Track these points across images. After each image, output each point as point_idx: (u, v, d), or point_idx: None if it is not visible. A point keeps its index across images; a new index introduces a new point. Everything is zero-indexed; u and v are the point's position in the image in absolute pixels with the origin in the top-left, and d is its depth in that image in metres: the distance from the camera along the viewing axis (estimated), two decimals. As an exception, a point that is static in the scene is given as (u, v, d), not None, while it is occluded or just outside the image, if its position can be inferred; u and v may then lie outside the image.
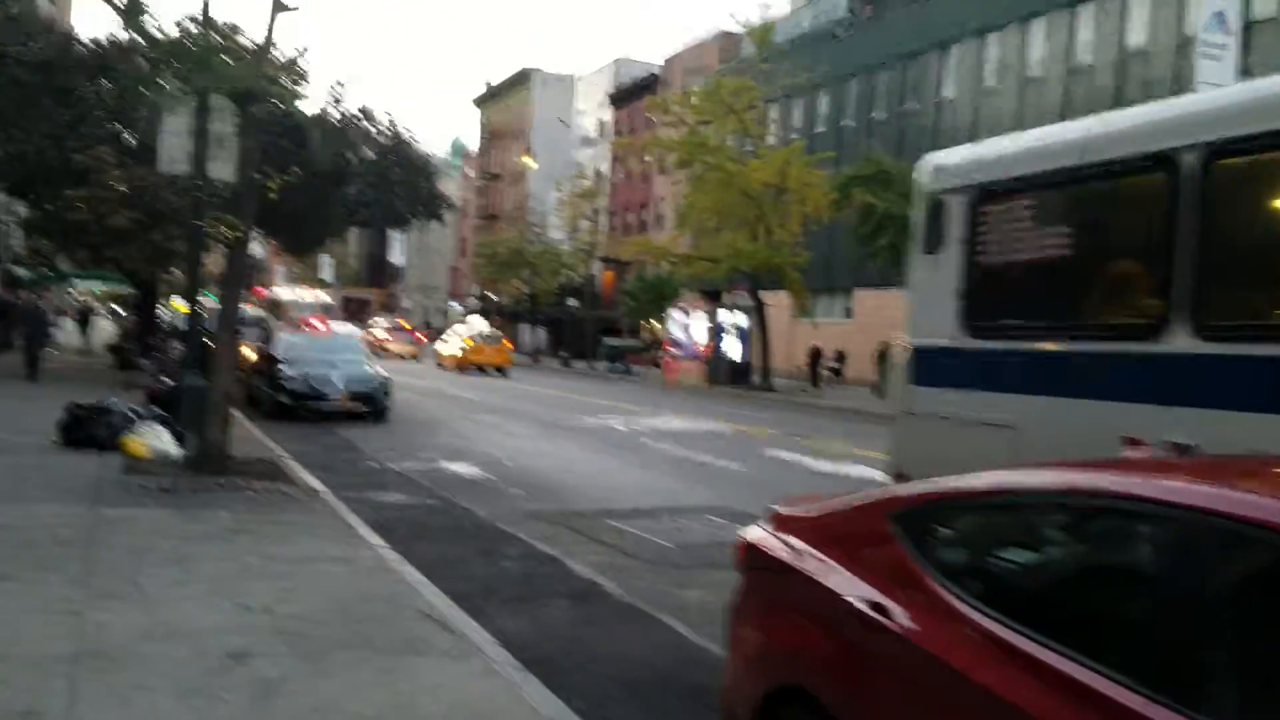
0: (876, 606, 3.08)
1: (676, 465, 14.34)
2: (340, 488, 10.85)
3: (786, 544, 3.66)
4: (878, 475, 13.86)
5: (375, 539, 7.99)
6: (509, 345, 43.24)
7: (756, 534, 3.88)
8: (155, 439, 11.55)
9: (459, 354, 40.20)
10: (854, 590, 3.20)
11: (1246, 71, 20.46)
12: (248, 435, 14.26)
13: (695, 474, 13.50)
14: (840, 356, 35.32)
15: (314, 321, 44.21)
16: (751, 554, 3.85)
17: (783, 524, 3.81)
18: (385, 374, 19.23)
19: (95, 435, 11.53)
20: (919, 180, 6.88)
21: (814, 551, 3.51)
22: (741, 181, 32.63)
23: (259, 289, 69.65)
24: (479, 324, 49.98)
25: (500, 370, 39.29)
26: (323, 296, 49.60)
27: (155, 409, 12.97)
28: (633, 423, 20.23)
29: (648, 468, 14.06)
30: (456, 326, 48.66)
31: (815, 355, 35.49)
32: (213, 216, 12.82)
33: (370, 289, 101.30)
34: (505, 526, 9.38)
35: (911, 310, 6.93)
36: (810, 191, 31.76)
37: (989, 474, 3.23)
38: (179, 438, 12.01)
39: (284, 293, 49.29)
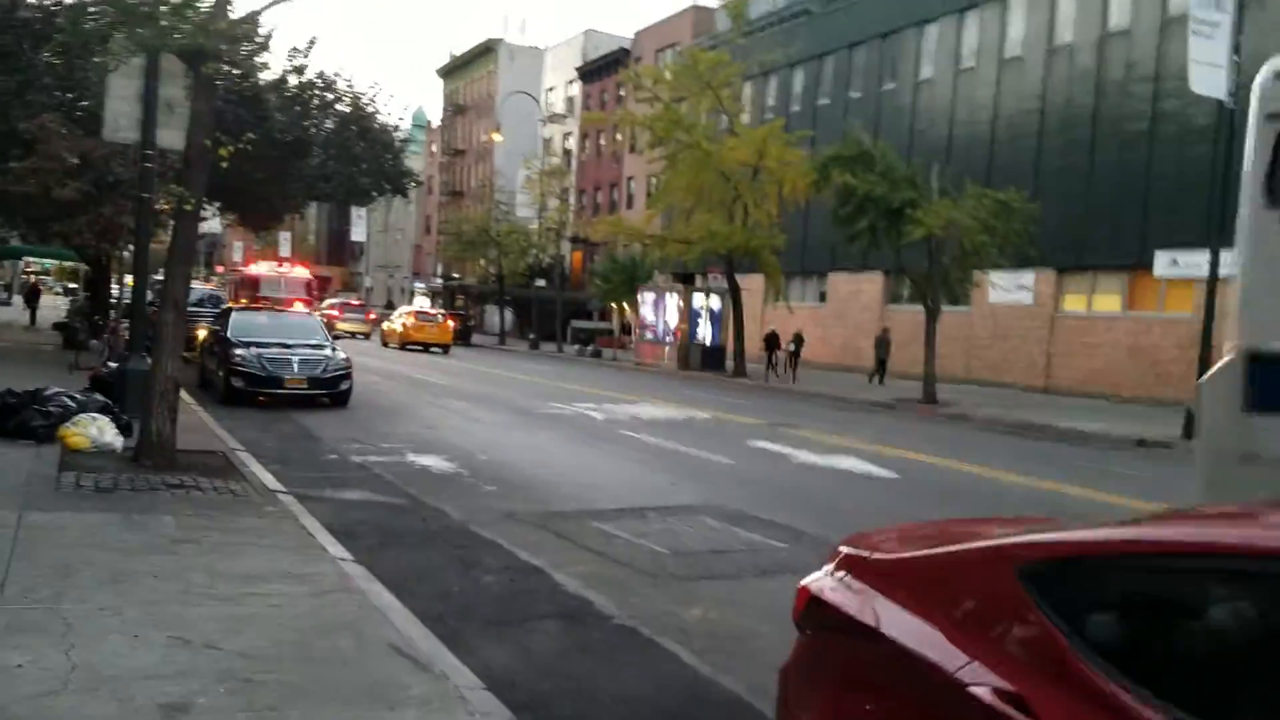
0: (1011, 699, 2.32)
1: (659, 457, 13.59)
2: (298, 484, 9.98)
3: (866, 599, 2.88)
4: (873, 469, 13.25)
5: (337, 549, 7.16)
6: (450, 325, 45.17)
7: (823, 583, 3.08)
8: (96, 429, 10.60)
9: (399, 331, 42.62)
10: (974, 673, 2.44)
11: (1239, 49, 19.92)
12: (199, 423, 13.34)
13: (680, 467, 12.75)
14: (798, 340, 34.59)
15: (298, 304, 40.58)
16: (818, 610, 3.05)
17: (857, 569, 3.03)
18: (346, 356, 18.27)
19: (30, 425, 10.54)
20: (1258, 101, 4.67)
21: (907, 613, 2.74)
22: (718, 160, 31.82)
23: (220, 265, 66.23)
24: (422, 304, 53.27)
25: (443, 348, 41.59)
26: (304, 273, 45.97)
27: (98, 395, 12.01)
28: (608, 410, 19.44)
29: (629, 460, 13.30)
30: (401, 306, 50.94)
31: (771, 340, 34.88)
32: (162, 187, 11.88)
33: (332, 267, 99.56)
34: (481, 530, 8.57)
35: (1244, 297, 4.77)
36: (788, 172, 31.00)
37: (1180, 523, 2.48)
38: (124, 427, 11.10)
39: (263, 269, 43.44)
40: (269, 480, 9.66)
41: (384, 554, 7.54)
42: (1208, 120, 27.03)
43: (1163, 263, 24.37)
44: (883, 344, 31.63)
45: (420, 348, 41.19)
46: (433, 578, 6.98)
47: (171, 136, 12.07)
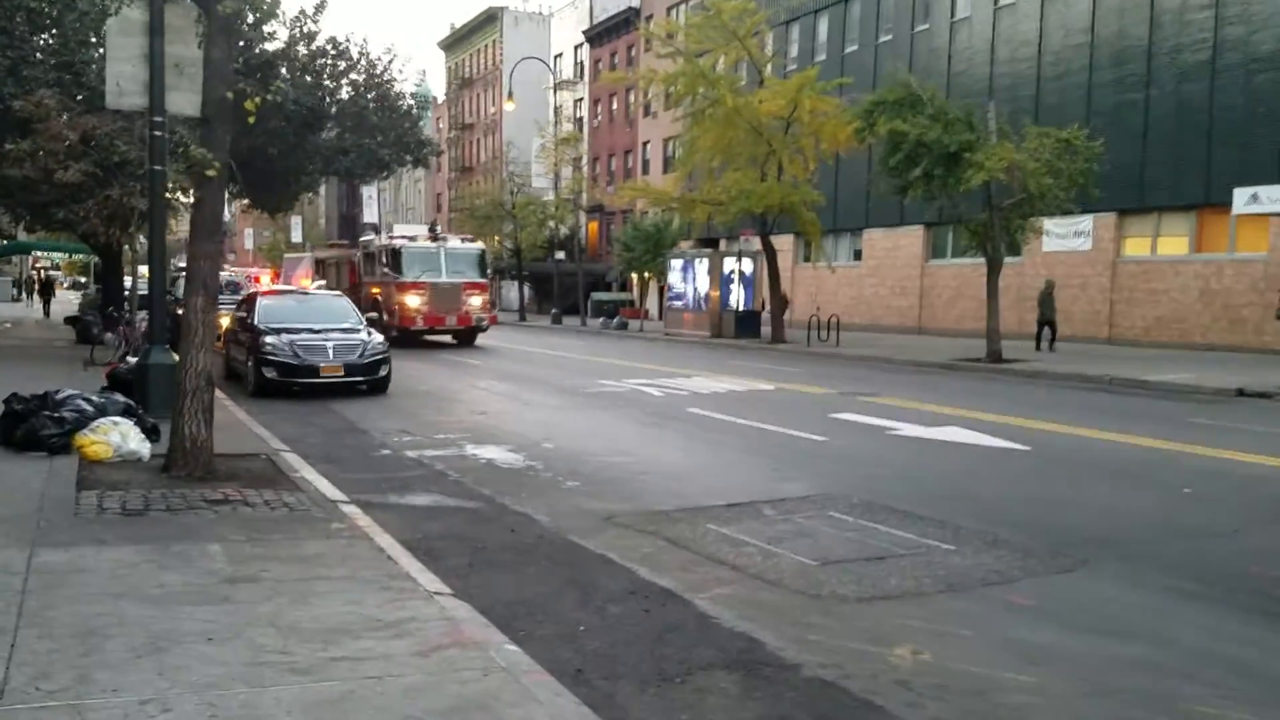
0: None
1: (742, 437, 12.17)
2: (357, 489, 8.62)
3: None
4: (992, 441, 11.72)
5: (428, 577, 5.77)
6: None
7: None
8: (119, 435, 9.25)
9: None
10: None
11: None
12: (232, 420, 12.01)
13: (771, 448, 11.33)
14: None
15: (471, 299, 28.99)
16: None
17: None
18: (383, 339, 16.88)
19: (41, 435, 9.18)
20: None
21: None
22: (749, 115, 30.11)
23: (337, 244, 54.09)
24: None
25: None
26: (475, 244, 31.53)
27: (118, 395, 10.65)
28: (664, 386, 18.00)
29: (711, 442, 11.87)
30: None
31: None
32: (178, 151, 10.50)
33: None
34: (582, 541, 7.17)
35: None
36: (827, 123, 29.32)
37: None
38: (149, 431, 9.75)
39: (407, 236, 30.42)
40: (326, 488, 8.27)
41: (479, 579, 6.16)
42: (1275, 46, 25.31)
43: (1242, 199, 22.68)
44: (1049, 300, 26.49)
45: None
46: (549, 611, 5.58)
47: (183, 100, 10.66)
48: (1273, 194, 22.13)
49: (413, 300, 28.02)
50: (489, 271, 30.15)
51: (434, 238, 29.45)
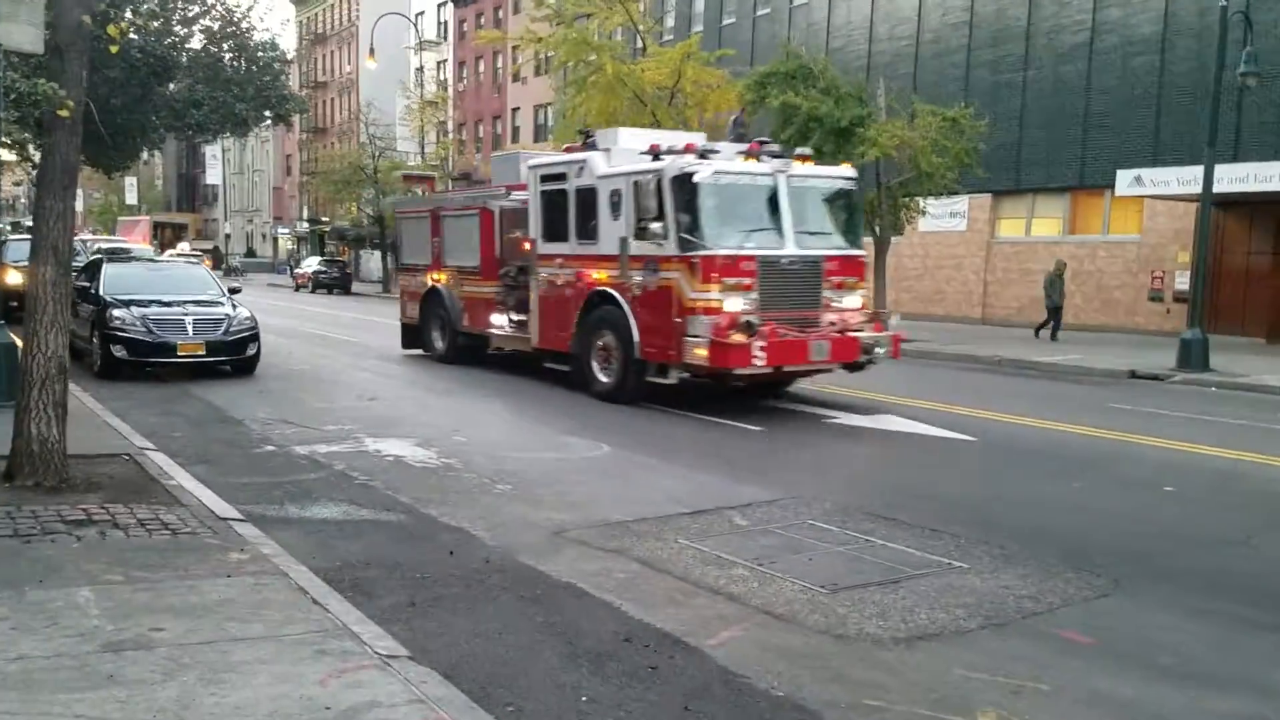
0: None
1: (675, 428, 11.20)
2: (246, 499, 7.25)
3: None
4: (932, 430, 11.03)
5: (372, 632, 4.55)
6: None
7: None
8: (-58, 435, 7.57)
9: None
10: None
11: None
12: (79, 408, 10.24)
13: (712, 441, 10.41)
14: None
15: (844, 297, 12.51)
16: None
17: None
18: (250, 314, 15.08)
19: None
20: None
21: None
22: (633, 83, 28.99)
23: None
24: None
25: None
26: (843, 170, 13.69)
27: (-62, 384, 8.88)
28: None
29: (641, 434, 10.80)
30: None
31: None
32: (10, 96, 8.77)
33: (184, 213, 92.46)
34: (539, 565, 6.04)
35: None
36: (710, 94, 28.47)
37: None
38: (-20, 428, 8.06)
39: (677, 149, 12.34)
40: (210, 499, 6.87)
41: (428, 624, 4.98)
42: (1153, 29, 25.78)
43: (1125, 181, 23.02)
44: (1058, 283, 23.92)
45: None
46: (532, 672, 4.46)
47: (19, 33, 8.82)
48: (1156, 177, 22.52)
49: (734, 301, 11.55)
50: (861, 230, 15.41)
51: (758, 152, 12.58)
